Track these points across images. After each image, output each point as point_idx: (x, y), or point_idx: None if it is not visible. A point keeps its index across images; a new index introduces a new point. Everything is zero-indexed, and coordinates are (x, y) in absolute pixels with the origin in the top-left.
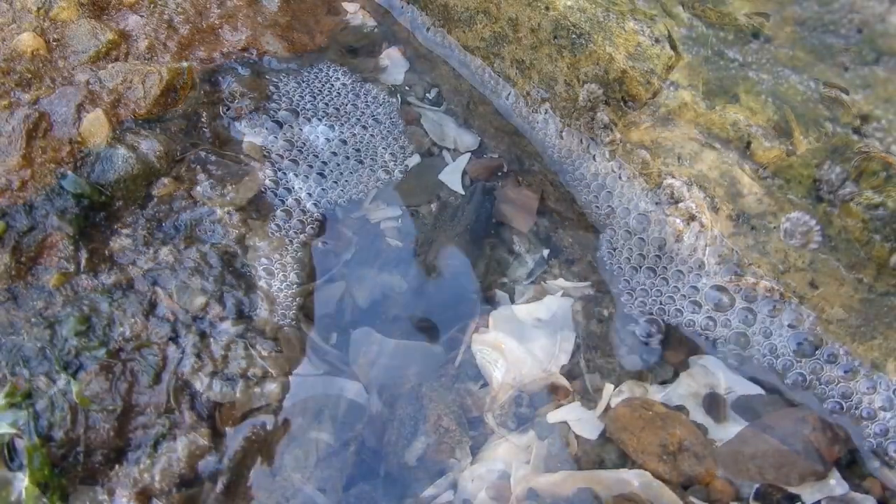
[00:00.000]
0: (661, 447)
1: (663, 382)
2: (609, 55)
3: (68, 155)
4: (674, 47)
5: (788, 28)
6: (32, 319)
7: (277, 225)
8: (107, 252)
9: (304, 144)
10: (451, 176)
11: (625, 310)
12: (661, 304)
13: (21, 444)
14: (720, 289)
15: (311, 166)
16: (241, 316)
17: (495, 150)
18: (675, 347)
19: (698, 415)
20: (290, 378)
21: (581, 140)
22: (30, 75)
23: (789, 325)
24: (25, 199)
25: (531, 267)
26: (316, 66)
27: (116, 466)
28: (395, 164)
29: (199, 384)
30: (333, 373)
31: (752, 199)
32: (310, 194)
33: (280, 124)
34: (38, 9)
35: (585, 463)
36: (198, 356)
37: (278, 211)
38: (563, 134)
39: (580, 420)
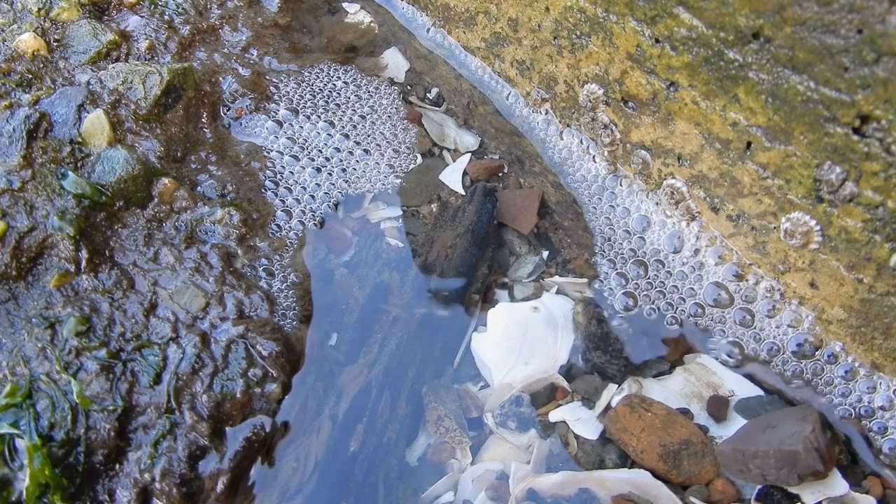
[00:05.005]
0: (661, 447)
1: (658, 375)
2: (609, 55)
3: (69, 155)
4: (674, 47)
5: (788, 28)
6: (33, 319)
7: (278, 225)
8: (107, 252)
9: (306, 143)
10: (452, 176)
11: (625, 309)
12: (661, 303)
13: (21, 444)
14: (720, 288)
15: (312, 160)
16: (242, 316)
17: (496, 151)
18: (673, 345)
19: (699, 415)
20: (291, 378)
21: (581, 140)
22: (30, 76)
23: (789, 325)
24: (26, 200)
25: (531, 267)
26: (316, 66)
27: (116, 466)
28: (396, 165)
29: (200, 384)
30: (334, 373)
31: (751, 199)
32: (310, 195)
33: (280, 124)
34: (39, 9)
35: (585, 463)
36: (198, 356)
37: (278, 211)
38: (564, 134)
39: (580, 420)
